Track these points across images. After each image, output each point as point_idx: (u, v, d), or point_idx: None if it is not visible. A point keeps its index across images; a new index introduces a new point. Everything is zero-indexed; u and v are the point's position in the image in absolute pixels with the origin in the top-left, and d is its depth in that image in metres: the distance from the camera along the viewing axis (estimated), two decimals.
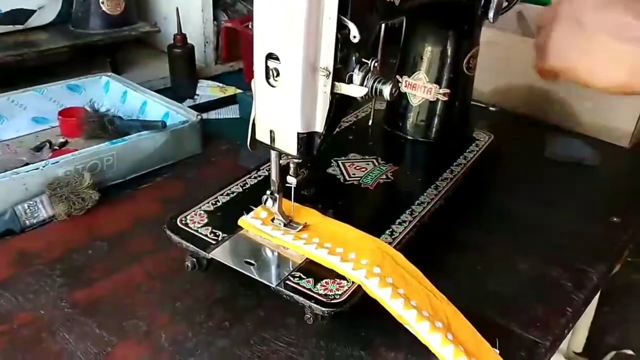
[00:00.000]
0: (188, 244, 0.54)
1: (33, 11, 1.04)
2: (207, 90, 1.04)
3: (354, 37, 0.43)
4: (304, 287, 0.48)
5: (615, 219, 0.70)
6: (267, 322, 0.53)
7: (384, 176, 0.66)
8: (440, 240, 0.62)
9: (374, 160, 0.69)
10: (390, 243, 0.54)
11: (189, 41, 1.02)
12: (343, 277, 0.50)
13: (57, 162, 0.68)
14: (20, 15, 1.02)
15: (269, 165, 0.54)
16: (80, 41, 1.02)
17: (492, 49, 0.96)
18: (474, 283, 0.58)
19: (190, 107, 0.88)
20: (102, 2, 1.03)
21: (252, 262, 0.52)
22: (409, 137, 0.75)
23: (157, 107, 0.86)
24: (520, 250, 0.64)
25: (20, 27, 1.03)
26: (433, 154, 0.74)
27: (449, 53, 0.71)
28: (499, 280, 0.59)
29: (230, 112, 0.98)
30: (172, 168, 0.78)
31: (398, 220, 0.58)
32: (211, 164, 0.80)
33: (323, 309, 0.46)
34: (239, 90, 1.03)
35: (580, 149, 0.88)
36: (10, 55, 0.94)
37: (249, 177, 0.64)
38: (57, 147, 0.83)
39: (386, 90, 0.45)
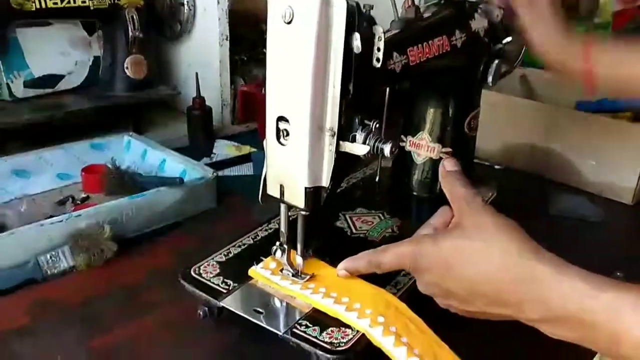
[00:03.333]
0: (200, 293, 0.56)
1: (63, 76, 1.12)
2: (224, 148, 1.08)
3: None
4: (310, 335, 0.51)
5: (619, 274, 0.71)
6: None
7: (390, 230, 0.69)
8: None
9: (380, 215, 0.72)
10: (394, 294, 0.56)
11: (207, 103, 1.08)
12: (348, 326, 0.52)
13: (79, 215, 0.72)
14: (51, 79, 1.10)
15: (279, 218, 0.57)
16: (105, 103, 1.08)
17: (496, 110, 1.00)
18: (479, 334, 0.59)
19: (206, 164, 0.92)
20: (127, 68, 1.11)
21: (261, 310, 0.54)
22: (415, 193, 0.77)
23: (175, 165, 0.90)
24: None
25: (50, 90, 1.10)
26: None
27: (451, 115, 0.74)
28: (505, 332, 0.60)
29: (245, 170, 1.02)
30: (188, 222, 0.81)
31: (403, 272, 0.60)
32: (225, 218, 0.83)
33: (328, 356, 0.48)
34: (253, 149, 1.08)
35: (584, 206, 0.90)
36: (41, 116, 1.01)
37: (260, 230, 0.67)
38: (79, 202, 0.87)
39: (386, 148, 0.49)
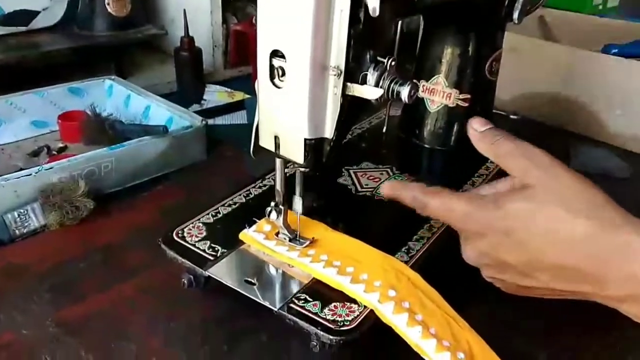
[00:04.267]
0: (184, 260, 0.49)
1: (37, 12, 1.01)
2: (215, 95, 1.01)
3: (373, 9, 0.37)
4: (309, 311, 0.43)
5: None
6: (270, 347, 0.48)
7: None
8: (462, 260, 0.56)
9: (389, 170, 0.65)
10: (406, 262, 0.49)
11: (196, 44, 0.99)
12: (354, 301, 0.45)
13: (51, 167, 0.64)
14: (23, 16, 1.00)
15: (275, 174, 0.49)
16: (84, 43, 0.99)
17: (513, 54, 0.91)
18: (500, 308, 0.53)
19: (196, 112, 0.85)
20: (108, 4, 1.00)
21: (253, 281, 0.47)
22: (426, 146, 0.70)
23: (161, 112, 0.83)
24: None
25: (23, 28, 1.00)
26: (452, 164, 0.68)
27: (470, 56, 0.65)
28: (528, 304, 0.54)
29: (238, 118, 0.95)
30: (174, 176, 0.74)
31: (415, 237, 0.53)
32: (216, 171, 0.76)
33: (331, 337, 0.41)
34: (247, 96, 1.00)
35: (609, 160, 0.82)
36: (12, 56, 0.91)
37: (254, 187, 0.59)
38: (56, 153, 0.80)
39: (404, 91, 0.40)
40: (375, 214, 0.58)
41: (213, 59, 1.07)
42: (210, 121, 0.88)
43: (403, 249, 0.51)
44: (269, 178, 0.60)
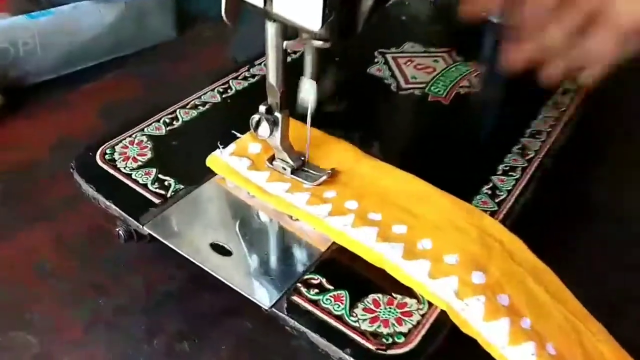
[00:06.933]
0: (109, 204, 0.29)
1: None
2: None
3: None
4: (328, 312, 0.24)
5: None
6: (256, 345, 0.30)
7: (466, 82, 0.40)
8: (566, 204, 0.37)
9: (445, 55, 0.43)
10: (492, 214, 0.29)
11: None
12: (410, 292, 0.25)
13: None
14: None
15: (267, 56, 0.27)
16: None
17: None
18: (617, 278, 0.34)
19: None
20: None
21: (228, 246, 0.27)
22: (495, 21, 0.48)
23: None
24: None
25: None
26: None
27: None
28: None
29: None
30: (131, 61, 0.57)
31: (502, 166, 0.32)
32: (188, 55, 0.59)
33: None
34: None
35: None
36: None
37: (235, 78, 0.38)
38: None
39: None
40: (432, 127, 0.37)
41: None
42: None
43: (484, 190, 0.30)
44: (259, 64, 0.39)
